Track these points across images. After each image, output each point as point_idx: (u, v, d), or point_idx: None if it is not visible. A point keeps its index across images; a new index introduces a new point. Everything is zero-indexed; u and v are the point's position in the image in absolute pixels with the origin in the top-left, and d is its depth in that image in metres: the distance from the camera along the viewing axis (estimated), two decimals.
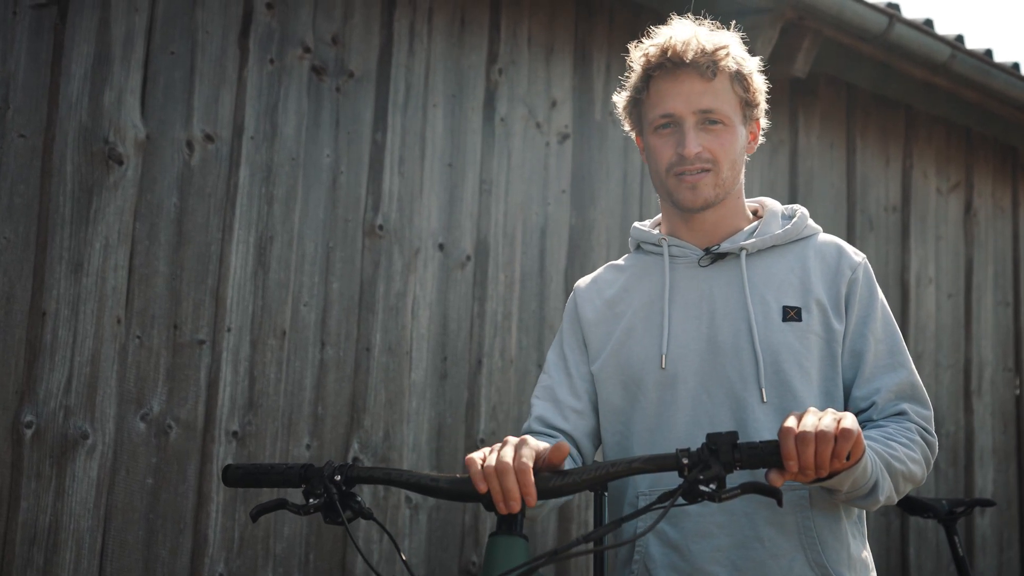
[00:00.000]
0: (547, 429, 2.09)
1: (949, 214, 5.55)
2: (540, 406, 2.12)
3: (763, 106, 2.14)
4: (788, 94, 4.86)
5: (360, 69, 3.60)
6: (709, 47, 2.04)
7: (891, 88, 5.21)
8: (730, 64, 2.05)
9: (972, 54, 4.89)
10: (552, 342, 2.24)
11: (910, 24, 4.61)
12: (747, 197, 2.21)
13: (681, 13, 2.16)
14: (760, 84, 2.12)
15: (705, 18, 2.15)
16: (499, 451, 1.68)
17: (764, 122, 2.17)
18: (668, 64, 2.04)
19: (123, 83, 3.09)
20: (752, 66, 2.10)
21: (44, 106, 2.97)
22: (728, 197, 2.10)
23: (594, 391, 2.14)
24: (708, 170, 2.04)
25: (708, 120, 2.04)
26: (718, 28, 2.13)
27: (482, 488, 1.66)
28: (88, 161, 3.02)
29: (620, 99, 2.16)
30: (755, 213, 2.20)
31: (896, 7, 4.71)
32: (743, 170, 2.14)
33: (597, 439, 2.15)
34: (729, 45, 2.07)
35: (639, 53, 2.10)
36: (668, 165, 2.06)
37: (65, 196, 2.97)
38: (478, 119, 3.87)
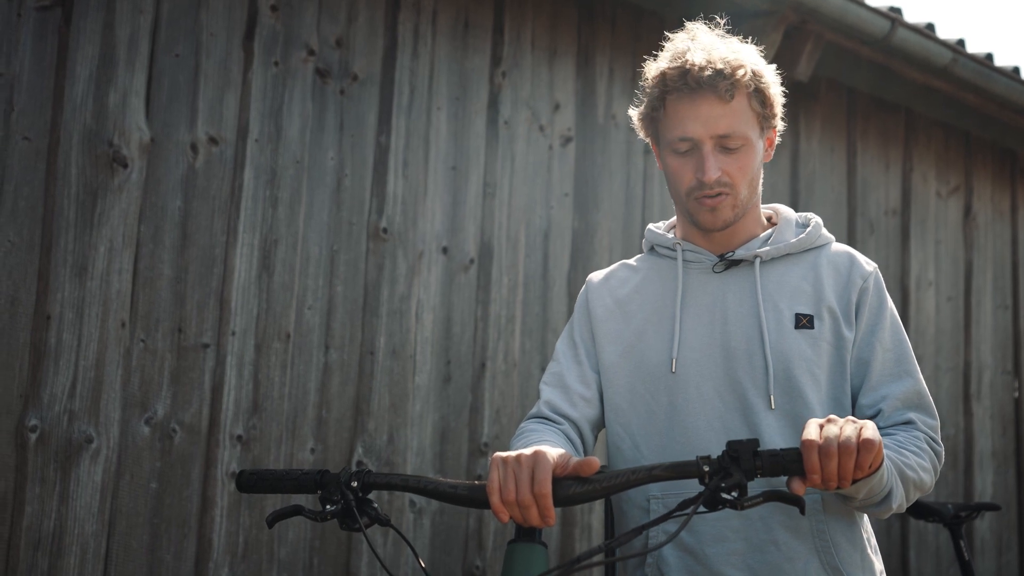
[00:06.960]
0: (555, 414, 2.08)
1: (949, 218, 5.56)
2: (549, 391, 2.12)
3: (780, 112, 2.13)
4: (790, 98, 4.85)
5: (364, 72, 3.59)
6: (727, 69, 1.98)
7: (891, 92, 5.21)
8: (748, 82, 2.01)
9: (973, 58, 4.90)
10: (562, 332, 2.23)
11: (912, 28, 4.60)
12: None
13: (681, 17, 2.14)
14: (777, 93, 2.09)
15: (711, 22, 2.11)
16: (516, 477, 1.64)
17: (781, 125, 2.15)
18: (685, 86, 1.99)
19: (127, 85, 3.08)
20: (770, 77, 2.06)
21: (48, 108, 2.95)
22: None
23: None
24: (727, 193, 2.02)
25: (726, 144, 2.00)
26: (725, 35, 2.09)
27: (504, 519, 1.65)
28: (92, 164, 3.00)
29: (635, 112, 2.12)
30: (769, 220, 2.19)
31: (898, 11, 4.70)
32: (760, 180, 2.12)
33: (600, 428, 2.15)
34: (746, 62, 2.01)
35: (655, 68, 2.05)
36: (688, 189, 2.03)
37: (69, 199, 2.95)
38: (481, 122, 3.86)
